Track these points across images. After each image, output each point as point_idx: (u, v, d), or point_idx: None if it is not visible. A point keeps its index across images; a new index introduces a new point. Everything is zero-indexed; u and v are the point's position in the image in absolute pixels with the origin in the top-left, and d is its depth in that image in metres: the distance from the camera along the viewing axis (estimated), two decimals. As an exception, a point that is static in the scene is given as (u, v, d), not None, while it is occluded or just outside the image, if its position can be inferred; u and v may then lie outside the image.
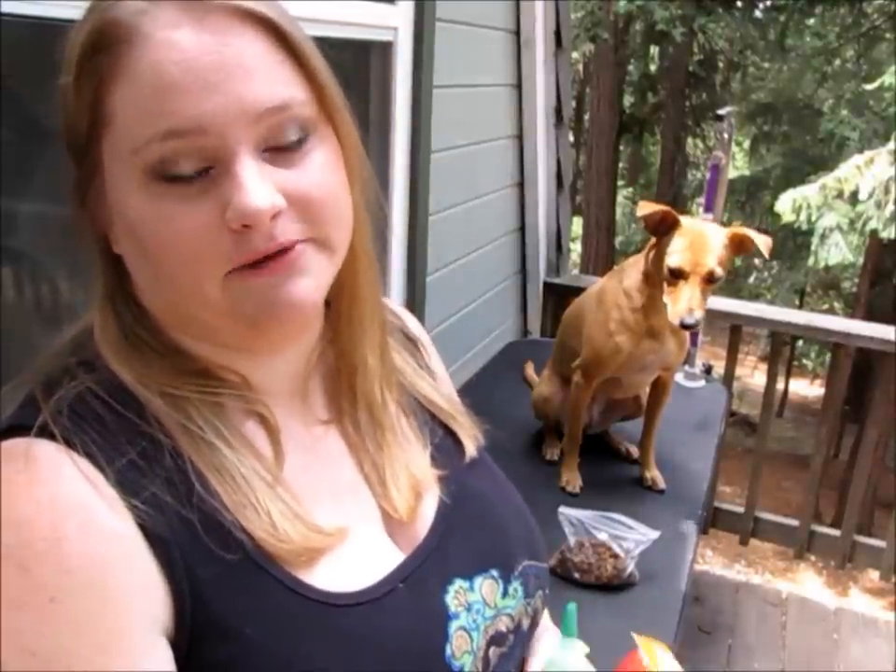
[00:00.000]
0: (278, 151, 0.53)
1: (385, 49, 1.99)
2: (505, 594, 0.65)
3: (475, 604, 0.62)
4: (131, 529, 0.49)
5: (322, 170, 0.55)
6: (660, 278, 1.55)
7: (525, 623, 0.68)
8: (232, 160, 0.50)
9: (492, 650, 0.63)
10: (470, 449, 0.72)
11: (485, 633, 0.62)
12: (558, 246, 3.20)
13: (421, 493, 0.66)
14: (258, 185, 0.50)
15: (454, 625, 0.60)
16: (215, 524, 0.52)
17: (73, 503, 0.48)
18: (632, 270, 1.67)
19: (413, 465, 0.67)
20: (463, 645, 0.60)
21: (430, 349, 0.81)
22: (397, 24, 1.98)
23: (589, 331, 1.73)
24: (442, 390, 0.77)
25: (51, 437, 0.50)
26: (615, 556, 1.45)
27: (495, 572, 0.65)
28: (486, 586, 0.64)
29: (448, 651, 0.59)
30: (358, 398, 0.66)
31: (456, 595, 0.62)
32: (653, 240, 1.60)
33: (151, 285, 0.56)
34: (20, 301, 1.27)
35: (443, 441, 0.71)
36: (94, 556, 0.47)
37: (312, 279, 0.55)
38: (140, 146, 0.50)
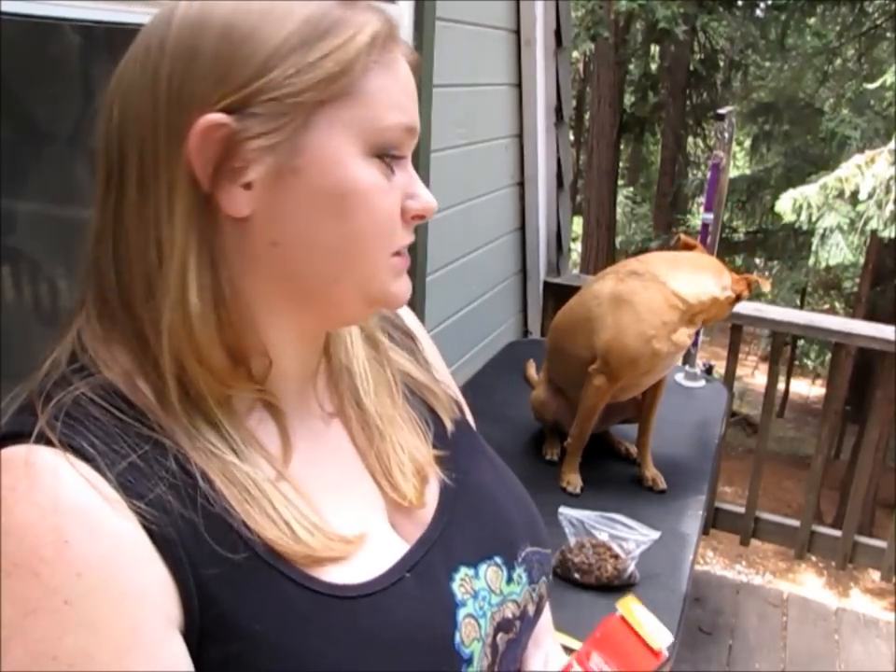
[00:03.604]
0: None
1: (385, 48, 1.98)
2: (509, 580, 0.66)
3: (481, 591, 0.63)
4: (136, 530, 0.49)
5: None
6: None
7: (531, 610, 0.69)
8: (408, 161, 0.59)
9: (500, 636, 0.64)
10: (447, 422, 0.72)
11: (492, 619, 0.63)
12: (558, 246, 3.19)
13: (426, 476, 0.67)
14: None
15: (461, 613, 0.61)
16: (221, 525, 0.52)
17: (75, 506, 0.48)
18: (674, 272, 1.65)
19: (415, 450, 0.67)
20: (472, 632, 0.61)
21: (426, 341, 0.81)
22: (396, 23, 1.97)
23: (617, 336, 1.66)
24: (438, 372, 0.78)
25: (49, 443, 0.49)
26: (615, 557, 1.45)
27: (498, 559, 0.66)
28: (491, 573, 0.65)
29: (457, 639, 0.59)
30: (358, 387, 0.67)
31: (462, 582, 0.62)
32: None
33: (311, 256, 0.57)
34: (19, 301, 1.27)
35: (433, 420, 0.72)
36: (102, 557, 0.47)
37: None
38: (386, 126, 0.56)
